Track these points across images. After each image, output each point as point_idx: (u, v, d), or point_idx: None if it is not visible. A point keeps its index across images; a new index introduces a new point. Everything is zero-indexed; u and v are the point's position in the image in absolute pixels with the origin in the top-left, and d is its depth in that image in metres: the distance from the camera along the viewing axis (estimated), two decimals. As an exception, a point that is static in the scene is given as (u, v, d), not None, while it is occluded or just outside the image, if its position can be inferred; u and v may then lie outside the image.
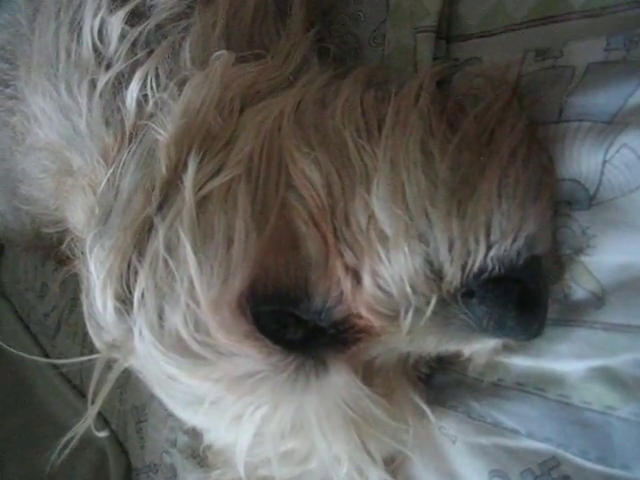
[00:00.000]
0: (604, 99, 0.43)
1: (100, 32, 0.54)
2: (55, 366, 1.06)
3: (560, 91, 0.46)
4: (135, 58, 0.54)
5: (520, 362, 0.47)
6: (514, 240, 0.41)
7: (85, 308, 0.51)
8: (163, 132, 0.49)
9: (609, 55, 0.44)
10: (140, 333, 0.46)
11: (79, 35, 0.55)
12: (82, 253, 0.52)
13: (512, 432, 0.47)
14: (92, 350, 0.52)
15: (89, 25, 0.54)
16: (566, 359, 0.45)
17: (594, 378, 0.43)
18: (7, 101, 0.73)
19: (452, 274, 0.42)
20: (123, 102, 0.53)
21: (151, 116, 0.51)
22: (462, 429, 0.50)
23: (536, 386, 0.47)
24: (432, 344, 0.44)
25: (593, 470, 0.43)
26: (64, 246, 0.61)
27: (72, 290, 1.10)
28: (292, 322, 0.45)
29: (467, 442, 0.49)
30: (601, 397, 0.43)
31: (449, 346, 0.45)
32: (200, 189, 0.45)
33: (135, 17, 0.55)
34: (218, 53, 0.52)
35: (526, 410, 0.47)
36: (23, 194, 0.77)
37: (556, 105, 0.46)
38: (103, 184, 0.51)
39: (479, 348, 0.46)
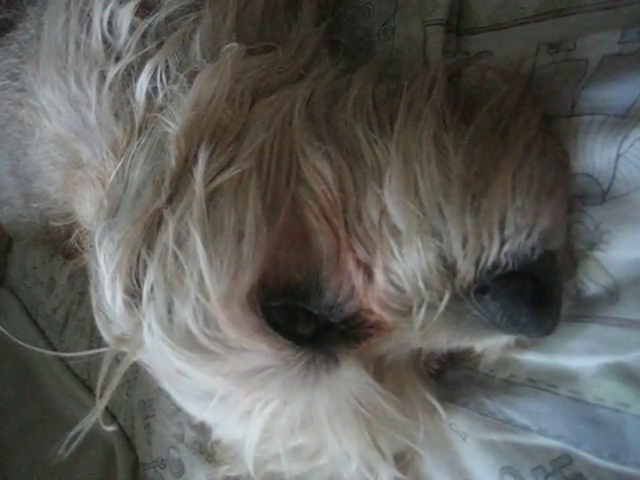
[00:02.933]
0: (618, 92, 0.43)
1: (110, 24, 0.54)
2: (62, 361, 1.06)
3: (573, 84, 0.46)
4: (145, 50, 0.53)
5: (532, 358, 0.47)
6: (528, 235, 0.41)
7: (94, 301, 0.50)
8: (173, 124, 0.49)
9: (624, 48, 0.44)
10: (149, 327, 0.45)
11: (89, 27, 0.55)
12: (91, 246, 0.51)
13: (523, 429, 0.47)
14: (100, 345, 0.52)
15: (99, 17, 0.54)
16: (579, 355, 0.44)
17: (607, 374, 0.43)
18: (15, 94, 0.73)
19: (465, 269, 0.41)
20: (133, 94, 0.52)
21: (161, 109, 0.51)
22: (473, 426, 0.49)
23: (548, 382, 0.46)
24: (444, 340, 0.44)
25: (606, 468, 0.43)
26: (72, 239, 0.61)
27: (80, 284, 1.11)
28: (302, 317, 0.45)
29: (478, 439, 0.49)
30: (614, 394, 0.43)
31: (461, 342, 0.44)
32: (210, 182, 0.45)
33: (145, 9, 0.55)
34: (229, 45, 0.52)
35: (538, 407, 0.46)
36: (35, 190, 0.78)
37: (569, 99, 0.45)
38: (112, 177, 0.51)
39: (491, 344, 0.46)
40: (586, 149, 0.43)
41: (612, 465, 0.42)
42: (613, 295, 0.43)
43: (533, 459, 0.46)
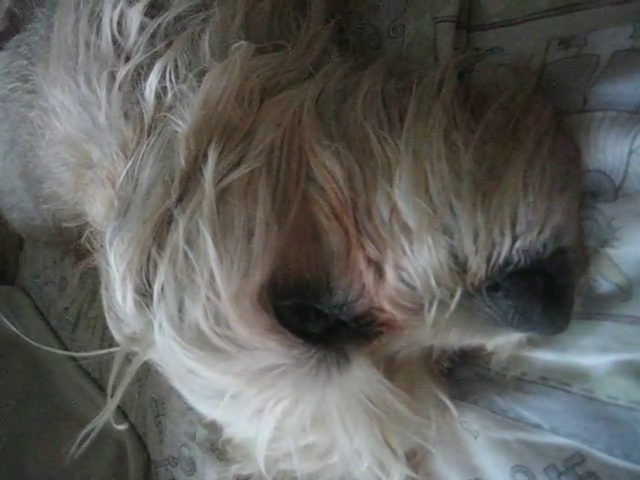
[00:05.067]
0: (630, 88, 0.42)
1: (119, 24, 0.54)
2: (74, 360, 1.07)
3: (585, 80, 0.45)
4: (154, 50, 0.53)
5: (544, 356, 0.47)
6: (540, 232, 0.41)
7: (105, 301, 0.50)
8: (182, 124, 0.49)
9: (635, 43, 0.44)
10: (160, 326, 0.45)
11: (98, 27, 0.55)
12: (101, 246, 0.51)
13: (535, 427, 0.47)
14: (112, 344, 0.52)
15: (108, 17, 0.54)
16: (591, 353, 0.44)
17: (620, 372, 0.43)
18: (25, 95, 0.73)
19: (477, 266, 0.41)
20: (142, 94, 0.52)
21: (170, 108, 0.51)
22: (484, 424, 0.49)
23: (560, 380, 0.46)
24: (456, 337, 0.44)
25: (619, 467, 0.42)
26: (83, 239, 0.61)
27: (91, 284, 1.11)
28: (313, 316, 0.45)
29: (489, 437, 0.49)
30: (627, 392, 0.42)
31: (473, 339, 0.44)
32: (220, 181, 0.45)
33: (154, 9, 0.55)
34: (238, 44, 0.52)
35: (550, 405, 0.46)
36: (46, 192, 0.78)
37: (580, 94, 0.45)
38: (122, 177, 0.51)
39: (503, 342, 0.46)
40: (598, 145, 0.43)
41: (625, 464, 0.42)
42: (625, 292, 0.43)
43: (545, 458, 0.46)
